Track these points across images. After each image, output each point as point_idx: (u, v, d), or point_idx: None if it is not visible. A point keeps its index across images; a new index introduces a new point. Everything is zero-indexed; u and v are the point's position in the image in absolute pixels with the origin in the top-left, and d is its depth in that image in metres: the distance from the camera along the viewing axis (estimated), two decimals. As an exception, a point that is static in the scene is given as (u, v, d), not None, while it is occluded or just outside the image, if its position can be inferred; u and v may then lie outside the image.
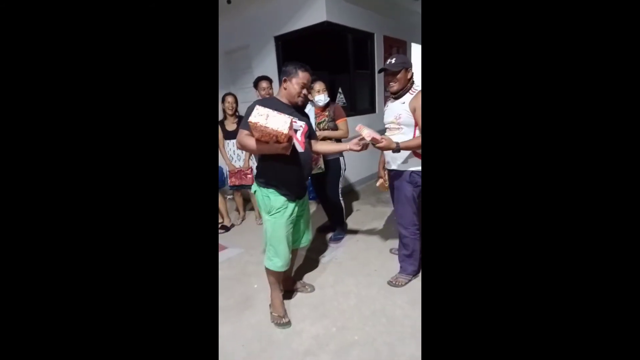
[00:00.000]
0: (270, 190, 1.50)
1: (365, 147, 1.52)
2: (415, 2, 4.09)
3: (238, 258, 2.33)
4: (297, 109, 1.54)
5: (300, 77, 1.47)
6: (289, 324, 1.59)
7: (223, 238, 2.66)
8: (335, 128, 2.29)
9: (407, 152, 1.66)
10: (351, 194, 3.66)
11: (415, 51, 4.78)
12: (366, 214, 3.04)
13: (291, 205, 1.53)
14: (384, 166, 1.94)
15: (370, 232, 2.61)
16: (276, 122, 1.24)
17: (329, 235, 2.52)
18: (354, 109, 3.64)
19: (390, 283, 1.86)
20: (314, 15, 3.10)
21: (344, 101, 3.53)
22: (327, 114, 2.29)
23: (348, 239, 2.48)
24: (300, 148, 1.48)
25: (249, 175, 2.72)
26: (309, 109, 2.39)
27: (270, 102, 1.47)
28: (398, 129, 1.67)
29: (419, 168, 1.68)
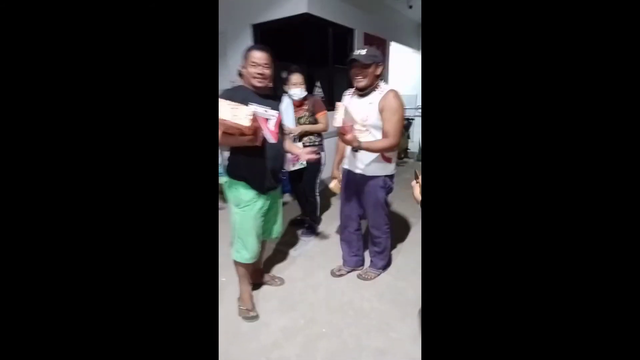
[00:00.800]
0: (241, 183, 1.46)
1: (314, 159, 1.60)
2: (396, 0, 4.13)
3: (207, 250, 2.28)
4: (268, 97, 1.47)
5: (252, 56, 1.38)
6: (256, 317, 1.58)
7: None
8: (316, 122, 2.26)
9: (374, 156, 1.60)
10: (328, 189, 3.68)
11: (394, 50, 4.85)
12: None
13: (262, 198, 1.50)
14: (338, 165, 1.88)
15: (342, 226, 2.63)
16: (236, 114, 1.20)
17: (301, 229, 2.52)
18: (332, 103, 3.64)
19: (359, 276, 1.89)
20: (295, 5, 3.05)
21: (322, 95, 3.52)
22: (306, 107, 2.26)
23: (320, 233, 2.49)
24: (271, 139, 1.44)
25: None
26: (287, 103, 2.36)
27: (236, 92, 1.41)
28: (365, 131, 1.59)
29: (392, 172, 1.68)
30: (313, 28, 3.24)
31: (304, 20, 3.07)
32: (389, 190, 1.72)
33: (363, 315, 1.59)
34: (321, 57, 3.48)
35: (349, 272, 1.94)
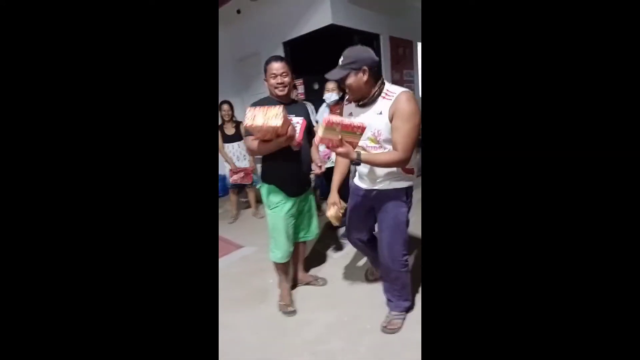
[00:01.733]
0: (271, 186, 1.58)
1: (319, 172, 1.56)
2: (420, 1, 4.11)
3: (254, 255, 2.41)
4: (292, 105, 1.55)
5: (269, 68, 1.48)
6: (294, 312, 1.66)
7: (239, 237, 2.75)
8: None
9: (393, 168, 1.29)
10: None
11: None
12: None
13: (290, 201, 1.59)
14: (338, 188, 1.49)
15: (381, 228, 2.64)
16: (268, 117, 1.28)
17: (340, 231, 2.57)
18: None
19: (384, 330, 1.47)
20: (320, 18, 3.19)
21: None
22: (338, 111, 2.37)
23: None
24: (293, 146, 1.49)
25: (250, 175, 2.94)
26: (324, 108, 2.51)
27: (263, 102, 1.51)
28: (380, 148, 1.26)
29: (411, 183, 1.35)
30: (339, 38, 3.35)
31: (330, 32, 3.19)
32: (409, 207, 1.38)
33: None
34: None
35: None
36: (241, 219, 3.25)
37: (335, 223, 1.49)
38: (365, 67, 1.21)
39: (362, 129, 1.14)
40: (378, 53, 3.87)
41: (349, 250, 2.31)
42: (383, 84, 1.26)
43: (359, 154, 1.18)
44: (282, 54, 3.60)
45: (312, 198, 1.77)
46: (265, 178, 1.61)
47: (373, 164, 1.26)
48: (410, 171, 1.32)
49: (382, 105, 1.23)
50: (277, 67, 1.48)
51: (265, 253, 2.39)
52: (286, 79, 1.49)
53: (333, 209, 1.44)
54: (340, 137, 1.11)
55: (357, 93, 1.26)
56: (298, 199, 1.63)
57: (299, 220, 1.71)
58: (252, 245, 2.58)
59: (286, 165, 1.54)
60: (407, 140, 1.18)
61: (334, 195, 1.47)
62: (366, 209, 1.47)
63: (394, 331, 1.46)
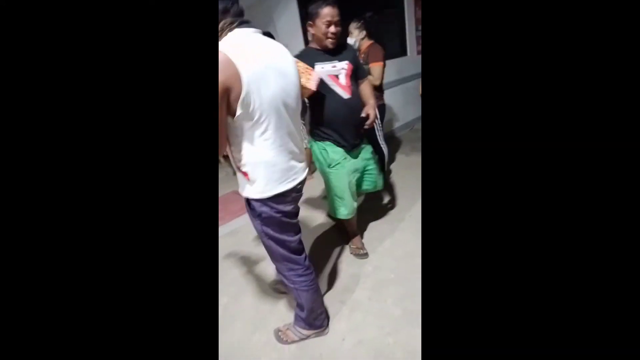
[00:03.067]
0: (327, 143, 1.48)
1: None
2: None
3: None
4: (334, 50, 1.38)
5: (323, 14, 1.28)
6: (366, 255, 1.76)
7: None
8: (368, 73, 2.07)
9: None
10: (391, 140, 3.66)
11: None
12: (399, 163, 3.04)
13: (350, 155, 1.51)
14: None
15: (403, 180, 2.63)
16: (307, 79, 1.21)
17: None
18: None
19: (275, 333, 1.37)
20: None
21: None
22: (363, 56, 2.16)
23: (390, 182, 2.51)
24: (345, 94, 1.40)
25: None
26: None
27: (305, 54, 1.40)
28: None
29: (257, 195, 0.98)
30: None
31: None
32: (267, 219, 1.02)
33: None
34: (367, 2, 3.27)
35: None
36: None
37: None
38: None
39: None
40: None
41: (371, 204, 2.34)
42: None
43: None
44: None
45: (370, 148, 1.66)
46: (317, 135, 1.49)
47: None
48: (246, 174, 0.97)
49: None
50: (333, 13, 1.27)
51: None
52: (339, 28, 1.32)
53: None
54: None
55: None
56: (357, 152, 1.55)
57: (365, 172, 1.64)
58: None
59: (338, 116, 1.42)
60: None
61: None
62: None
63: (281, 340, 1.33)
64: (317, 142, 1.51)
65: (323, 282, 1.63)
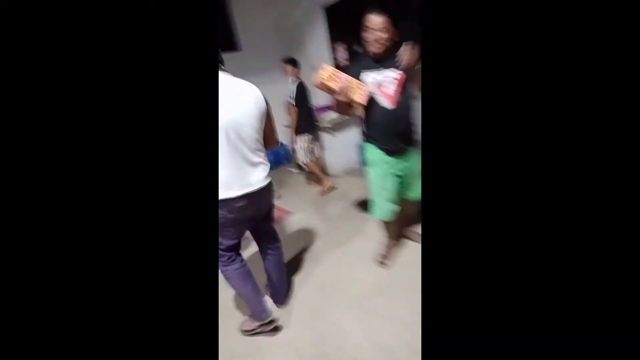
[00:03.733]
0: (370, 144, 1.61)
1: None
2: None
3: (302, 220, 2.61)
4: (385, 58, 1.44)
5: (367, 21, 1.37)
6: (385, 265, 1.82)
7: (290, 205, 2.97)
8: None
9: None
10: None
11: None
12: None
13: (389, 160, 1.57)
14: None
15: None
16: (359, 93, 1.39)
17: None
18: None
19: (240, 327, 1.55)
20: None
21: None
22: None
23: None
24: (388, 104, 1.46)
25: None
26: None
27: (356, 62, 1.54)
28: None
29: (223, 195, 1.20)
30: (383, 3, 3.17)
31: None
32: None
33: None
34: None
35: None
36: (291, 186, 3.47)
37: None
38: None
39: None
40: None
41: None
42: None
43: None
44: (324, 19, 3.53)
45: (416, 157, 1.66)
46: (366, 135, 1.62)
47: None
48: None
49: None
50: (374, 22, 1.37)
51: (312, 219, 2.60)
52: (385, 35, 1.39)
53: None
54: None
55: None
56: (400, 158, 1.59)
57: (405, 179, 1.67)
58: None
59: (383, 122, 1.51)
60: None
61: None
62: None
63: (245, 332, 1.51)
64: (365, 143, 1.64)
65: (341, 288, 1.72)
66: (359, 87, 1.40)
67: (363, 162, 1.65)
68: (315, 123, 3.13)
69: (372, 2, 1.51)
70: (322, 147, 3.37)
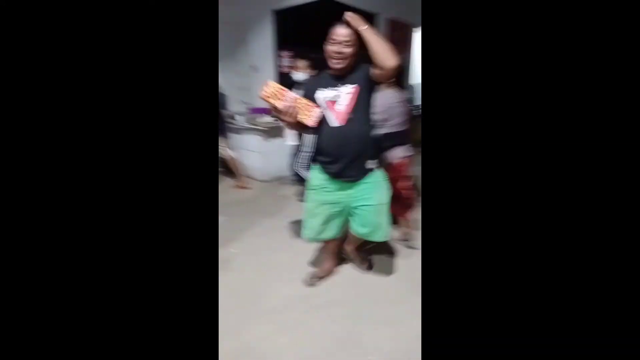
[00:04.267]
0: (315, 165, 1.43)
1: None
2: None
3: (223, 225, 2.39)
4: (343, 74, 1.29)
5: (332, 32, 1.23)
6: (312, 285, 1.67)
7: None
8: None
9: None
10: None
11: (418, 37, 4.73)
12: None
13: (329, 186, 1.39)
14: None
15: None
16: (306, 114, 1.26)
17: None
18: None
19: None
20: (316, -10, 3.07)
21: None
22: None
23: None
24: (335, 122, 1.29)
25: None
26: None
27: (314, 78, 1.47)
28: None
29: None
30: (334, 13, 3.24)
31: (325, 6, 3.08)
32: None
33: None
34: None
35: None
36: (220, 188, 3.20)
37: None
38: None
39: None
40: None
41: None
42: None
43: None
44: (272, 23, 3.44)
45: (377, 189, 1.41)
46: (312, 157, 1.45)
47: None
48: None
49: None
50: (341, 32, 1.22)
51: (235, 224, 2.40)
52: (347, 50, 1.23)
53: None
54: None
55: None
56: (346, 184, 1.38)
57: (350, 210, 1.46)
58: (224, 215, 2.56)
59: (331, 143, 1.31)
60: None
61: None
62: None
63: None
64: (311, 163, 1.47)
65: (252, 300, 1.56)
66: (307, 108, 1.26)
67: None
68: (226, 124, 3.10)
69: (326, 11, 1.46)
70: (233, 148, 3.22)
